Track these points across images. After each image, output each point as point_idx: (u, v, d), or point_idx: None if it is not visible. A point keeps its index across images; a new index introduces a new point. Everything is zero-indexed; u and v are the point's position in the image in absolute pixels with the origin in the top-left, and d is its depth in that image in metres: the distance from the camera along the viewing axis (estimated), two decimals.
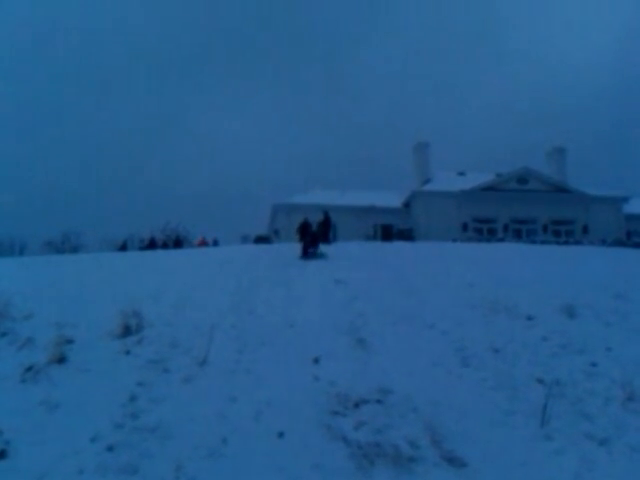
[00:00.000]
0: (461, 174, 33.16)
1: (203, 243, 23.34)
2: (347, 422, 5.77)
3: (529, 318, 10.46)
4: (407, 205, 30.46)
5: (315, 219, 22.87)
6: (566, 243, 21.92)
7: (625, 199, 29.25)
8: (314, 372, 7.19)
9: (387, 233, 27.56)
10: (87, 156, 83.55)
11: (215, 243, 23.94)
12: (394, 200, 31.81)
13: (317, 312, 9.95)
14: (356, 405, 6.20)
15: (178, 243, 27.20)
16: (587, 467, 5.41)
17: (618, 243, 21.64)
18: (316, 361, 7.59)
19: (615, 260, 17.49)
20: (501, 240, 22.47)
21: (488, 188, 29.27)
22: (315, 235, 16.50)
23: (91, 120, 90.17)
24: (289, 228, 26.16)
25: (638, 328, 10.22)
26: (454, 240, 21.19)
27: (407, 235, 24.62)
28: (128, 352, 7.31)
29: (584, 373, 7.85)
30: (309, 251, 15.82)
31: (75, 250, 36.72)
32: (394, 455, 5.16)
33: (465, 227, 27.61)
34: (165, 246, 25.14)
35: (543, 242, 21.20)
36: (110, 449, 4.72)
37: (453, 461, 5.16)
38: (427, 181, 31.63)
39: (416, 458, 5.15)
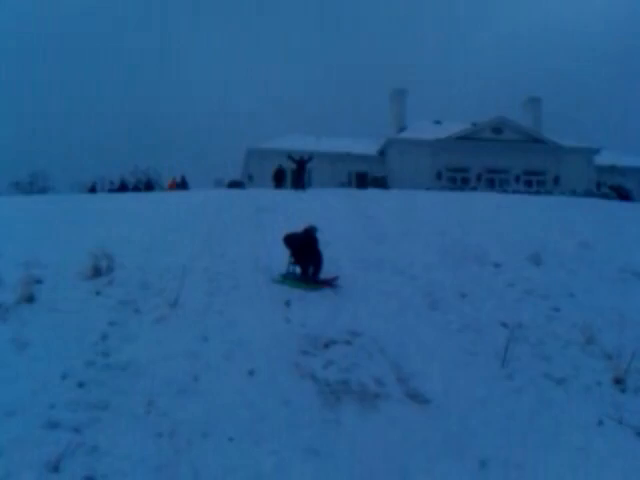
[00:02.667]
0: (437, 123, 33.01)
1: (174, 185, 22.87)
2: (316, 361, 5.92)
3: (497, 265, 10.72)
4: (382, 153, 30.33)
5: (290, 166, 22.71)
6: (537, 193, 22.25)
7: (596, 151, 29.62)
8: (285, 314, 7.30)
9: (361, 181, 27.51)
10: (57, 95, 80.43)
11: (183, 182, 23.30)
12: (369, 147, 31.61)
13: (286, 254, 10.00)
14: (325, 346, 6.35)
15: (149, 186, 26.73)
16: (544, 405, 5.69)
17: (588, 194, 22.06)
18: (287, 304, 7.69)
19: (583, 210, 17.85)
20: (474, 189, 22.68)
21: (463, 137, 29.28)
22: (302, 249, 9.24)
23: (62, 58, 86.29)
24: (263, 174, 25.90)
25: (601, 276, 10.58)
26: (428, 189, 21.30)
27: (381, 183, 24.62)
28: (98, 293, 7.28)
29: (546, 317, 8.15)
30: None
31: (43, 191, 35.87)
32: (360, 392, 5.33)
33: (439, 176, 27.73)
34: (136, 189, 24.71)
35: (515, 192, 21.48)
36: (81, 385, 4.77)
37: (416, 397, 5.37)
38: (403, 129, 31.42)
39: (381, 395, 5.34)
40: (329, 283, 8.77)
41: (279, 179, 21.84)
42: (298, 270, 9.15)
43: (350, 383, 5.51)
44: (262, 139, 32.88)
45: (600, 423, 5.41)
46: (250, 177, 29.02)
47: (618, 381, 6.31)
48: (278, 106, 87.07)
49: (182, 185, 23.05)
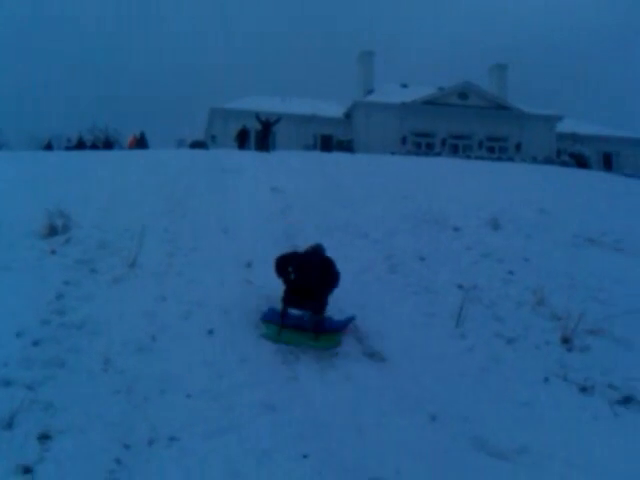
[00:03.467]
0: (404, 86, 32.85)
1: (134, 143, 22.15)
2: None
3: (456, 229, 10.93)
4: (348, 116, 30.10)
5: (254, 126, 22.35)
6: (499, 159, 22.57)
7: (558, 118, 30.11)
8: (246, 276, 7.32)
9: (327, 144, 27.33)
10: (10, 45, 76.38)
11: (142, 138, 22.57)
12: (335, 110, 31.32)
13: (252, 219, 9.96)
14: None
15: (108, 144, 25.93)
16: (494, 362, 5.93)
17: (547, 161, 22.51)
18: (248, 266, 7.70)
19: (543, 177, 18.23)
20: (438, 155, 22.84)
21: (429, 102, 29.27)
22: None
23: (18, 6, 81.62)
24: (227, 134, 25.43)
25: (556, 241, 10.92)
26: (393, 153, 21.33)
27: (347, 146, 24.53)
28: (54, 252, 7.12)
29: (501, 280, 8.40)
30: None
31: None
32: (319, 349, 5.44)
33: (404, 140, 27.78)
34: (94, 147, 23.95)
35: (477, 158, 21.73)
36: (36, 344, 4.72)
37: (374, 356, 5.51)
38: (370, 92, 31.20)
39: (339, 353, 5.46)
40: (345, 327, 5.90)
41: (242, 140, 21.51)
42: (294, 313, 5.98)
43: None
44: (226, 99, 32.20)
45: (546, 380, 5.68)
46: (213, 137, 28.48)
47: (565, 340, 6.62)
48: (243, 65, 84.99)
49: (141, 142, 22.31)
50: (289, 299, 5.82)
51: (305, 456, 3.54)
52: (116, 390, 4.21)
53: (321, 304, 5.85)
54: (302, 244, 8.86)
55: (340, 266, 8.04)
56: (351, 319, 6.04)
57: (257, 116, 19.90)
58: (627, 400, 5.46)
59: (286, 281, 5.96)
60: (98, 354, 4.65)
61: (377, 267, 8.34)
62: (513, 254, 9.63)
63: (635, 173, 24.51)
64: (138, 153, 17.93)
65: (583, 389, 5.60)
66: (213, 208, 10.46)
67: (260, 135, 21.20)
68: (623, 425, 4.97)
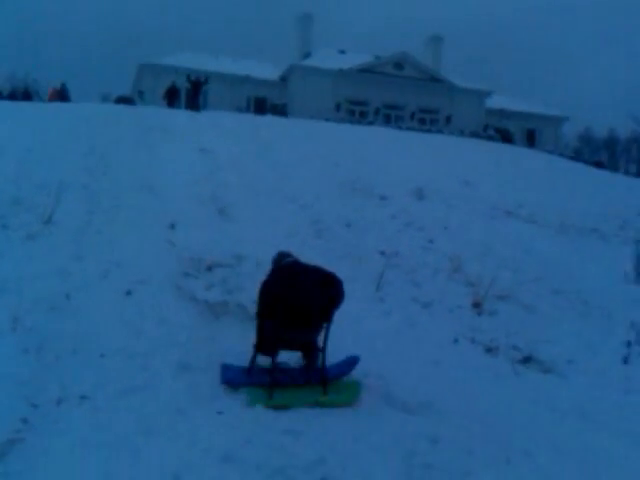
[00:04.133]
0: (342, 52, 32.61)
1: (55, 95, 20.82)
2: (198, 284, 5.95)
3: (382, 198, 11.18)
4: (284, 79, 29.63)
5: (184, 84, 21.60)
6: (429, 131, 23.06)
7: (488, 94, 31.01)
8: (169, 237, 7.19)
9: (260, 106, 26.83)
10: None
11: (63, 90, 21.24)
12: (271, 73, 30.68)
13: (178, 179, 9.74)
14: (209, 268, 6.38)
15: (27, 95, 24.29)
16: (409, 325, 6.21)
17: (475, 135, 23.24)
18: (172, 227, 7.56)
19: (469, 150, 18.85)
20: (371, 123, 23.03)
21: (365, 70, 29.26)
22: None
23: None
24: (155, 91, 24.40)
25: (475, 212, 11.42)
26: (327, 119, 21.28)
27: (281, 110, 24.23)
28: None
29: (421, 248, 8.73)
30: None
31: None
32: (241, 312, 5.48)
33: (338, 107, 27.74)
34: (12, 97, 22.36)
35: (409, 129, 22.09)
36: None
37: None
38: (307, 56, 30.78)
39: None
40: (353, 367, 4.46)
41: (172, 98, 20.79)
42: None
43: (231, 304, 5.63)
44: (156, 54, 30.83)
45: (455, 341, 6.04)
46: (141, 94, 27.27)
47: (476, 305, 7.02)
48: (175, 22, 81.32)
49: (62, 94, 20.99)
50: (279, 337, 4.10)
51: (220, 412, 3.60)
52: (25, 349, 4.08)
53: (312, 350, 4.39)
54: (228, 206, 8.83)
55: (267, 229, 8.11)
56: (355, 359, 4.47)
57: (187, 77, 19.36)
58: (527, 360, 5.90)
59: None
60: (7, 312, 4.47)
61: (303, 232, 8.43)
62: (434, 223, 10.01)
63: (555, 150, 25.77)
64: (58, 106, 16.94)
65: (488, 350, 6.00)
66: (137, 166, 10.12)
67: (190, 94, 20.56)
68: (522, 382, 5.39)
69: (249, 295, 5.92)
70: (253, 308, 5.63)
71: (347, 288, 6.73)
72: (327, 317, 4.32)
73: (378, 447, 3.25)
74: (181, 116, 16.58)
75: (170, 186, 9.22)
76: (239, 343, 4.81)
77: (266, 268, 6.83)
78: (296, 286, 4.30)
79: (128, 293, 5.36)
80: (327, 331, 4.29)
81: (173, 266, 6.24)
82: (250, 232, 7.87)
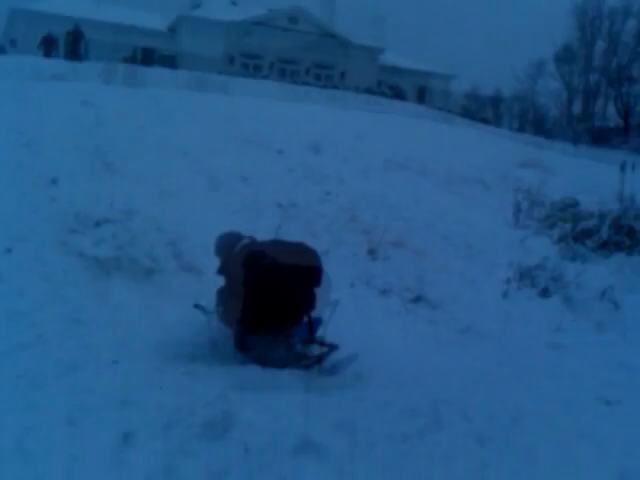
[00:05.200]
0: (233, 3, 31.50)
1: None
2: (85, 240, 5.66)
3: (280, 152, 11.15)
4: (172, 30, 28.17)
5: (62, 32, 19.89)
6: (325, 87, 23.09)
7: (381, 50, 31.51)
8: (51, 193, 6.72)
9: (148, 57, 25.32)
10: None
11: None
12: (158, 22, 28.98)
13: (59, 133, 9.05)
14: (97, 224, 6.08)
15: None
16: None
17: (369, 91, 23.64)
18: (54, 182, 7.07)
19: (362, 106, 19.20)
20: (265, 77, 22.63)
21: (259, 22, 28.53)
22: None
23: None
24: (30, 39, 22.23)
25: (370, 165, 11.72)
26: (219, 73, 20.59)
27: (170, 62, 23.09)
28: None
29: (318, 200, 8.87)
30: None
31: None
32: (132, 268, 5.31)
33: (232, 60, 26.93)
34: None
35: (304, 83, 22.00)
36: None
37: (191, 270, 5.56)
38: (196, 6, 29.40)
39: (155, 270, 5.40)
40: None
41: (48, 47, 19.14)
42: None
43: (122, 260, 5.43)
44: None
45: (352, 285, 6.28)
46: (13, 42, 24.77)
47: (371, 252, 7.32)
48: None
49: None
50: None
51: (115, 361, 3.51)
52: None
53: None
54: (116, 160, 8.37)
55: (158, 184, 7.82)
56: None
57: (66, 31, 18.08)
58: (417, 299, 6.31)
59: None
60: None
61: (198, 186, 8.23)
62: (330, 176, 10.17)
63: (444, 106, 26.86)
64: None
65: (383, 292, 6.33)
66: (11, 119, 9.26)
67: (69, 43, 19.04)
68: (413, 319, 5.79)
69: (142, 250, 5.76)
70: (147, 262, 5.53)
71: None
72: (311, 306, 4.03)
73: (280, 384, 3.34)
74: (59, 66, 15.32)
75: (50, 140, 8.56)
76: (133, 297, 4.69)
77: (159, 224, 6.66)
78: (281, 293, 3.81)
79: (8, 251, 4.98)
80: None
81: (58, 222, 5.87)
82: (140, 187, 7.55)
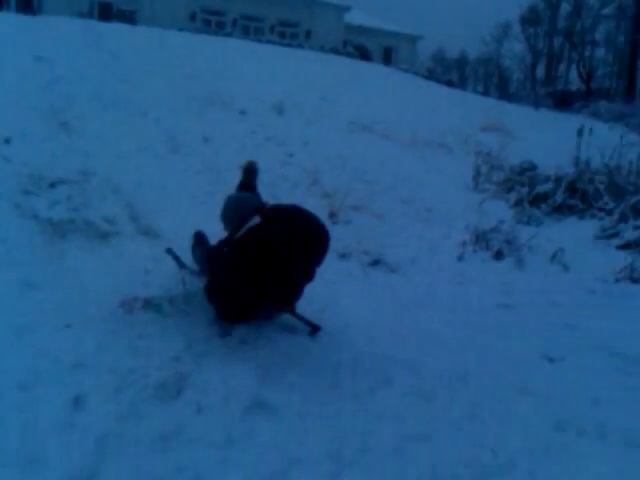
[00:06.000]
0: None
1: None
2: (40, 201, 5.52)
3: (242, 112, 10.96)
4: None
5: None
6: (289, 45, 22.59)
7: (347, 8, 30.92)
8: (4, 153, 6.49)
9: (106, 12, 24.25)
10: None
11: None
12: None
13: (11, 90, 8.67)
14: (52, 185, 5.93)
15: None
16: None
17: (334, 51, 23.24)
18: (7, 141, 6.81)
19: (328, 66, 18.88)
20: (229, 35, 21.96)
21: None
22: None
23: None
24: None
25: (334, 127, 11.65)
26: (180, 29, 19.89)
27: (129, 17, 22.16)
28: None
29: (281, 162, 8.82)
30: None
31: None
32: (88, 230, 5.23)
33: (193, 17, 26.01)
34: None
35: (268, 42, 21.48)
36: None
37: (148, 233, 5.50)
38: None
39: (111, 233, 5.32)
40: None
41: None
42: None
43: (77, 222, 5.34)
44: None
45: None
46: None
47: (332, 215, 7.37)
48: None
49: None
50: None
51: (69, 325, 3.50)
52: None
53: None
54: (72, 120, 8.10)
55: (115, 144, 7.62)
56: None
57: None
58: (376, 263, 6.41)
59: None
60: None
61: (157, 147, 8.06)
62: (294, 138, 10.08)
63: (411, 68, 26.67)
64: None
65: (342, 255, 6.41)
66: None
67: None
68: (371, 282, 5.90)
69: (99, 212, 5.67)
70: (104, 225, 5.44)
71: (204, 201, 6.73)
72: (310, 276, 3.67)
73: (232, 345, 3.40)
74: (10, 20, 14.53)
75: (1, 98, 8.20)
76: (89, 260, 4.64)
77: (115, 185, 6.52)
78: (295, 245, 3.42)
79: None
80: None
81: (10, 183, 5.70)
82: (97, 147, 7.35)
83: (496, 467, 2.93)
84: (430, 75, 26.05)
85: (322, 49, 22.92)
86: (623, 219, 7.67)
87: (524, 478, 2.92)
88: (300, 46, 22.71)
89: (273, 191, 7.75)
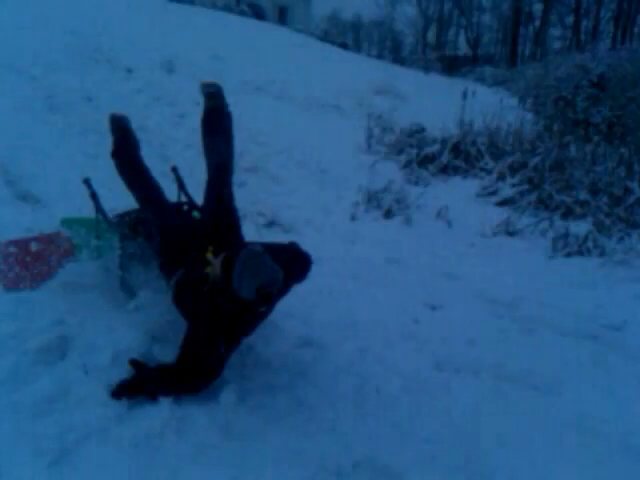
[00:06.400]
0: None
1: None
2: None
3: (129, 71, 10.42)
4: None
5: None
6: (180, 2, 21.58)
7: None
8: None
9: None
10: None
11: None
12: None
13: None
14: None
15: None
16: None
17: (227, 9, 22.54)
18: None
19: (220, 24, 18.34)
20: None
21: None
22: None
23: None
24: None
25: (226, 86, 11.33)
26: None
27: None
28: None
29: (171, 123, 8.56)
30: None
31: None
32: None
33: None
34: None
35: None
36: None
37: (27, 199, 5.18)
38: None
39: None
40: None
41: None
42: None
43: None
44: None
45: None
46: None
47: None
48: None
49: None
50: None
51: None
52: None
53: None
54: None
55: None
56: None
57: None
58: (271, 224, 6.49)
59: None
60: None
61: (35, 106, 7.50)
62: (185, 98, 9.77)
63: (306, 29, 26.53)
64: None
65: None
66: None
67: None
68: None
69: None
70: None
71: (86, 164, 6.40)
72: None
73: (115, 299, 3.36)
74: None
75: None
76: None
77: None
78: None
79: None
80: None
81: None
82: None
83: (380, 403, 3.18)
84: (325, 37, 26.09)
85: (214, 6, 22.13)
86: (501, 178, 8.28)
87: (406, 412, 3.20)
88: (191, 3, 21.77)
89: (163, 152, 7.54)
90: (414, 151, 9.49)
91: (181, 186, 4.32)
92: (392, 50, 40.56)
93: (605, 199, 7.18)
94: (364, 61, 23.35)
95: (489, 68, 26.23)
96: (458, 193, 8.32)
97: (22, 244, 3.43)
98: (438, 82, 21.69)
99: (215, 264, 2.61)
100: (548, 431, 3.16)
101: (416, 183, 8.60)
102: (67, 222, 3.83)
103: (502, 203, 7.80)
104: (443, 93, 17.95)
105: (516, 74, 21.05)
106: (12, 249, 3.37)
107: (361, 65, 20.65)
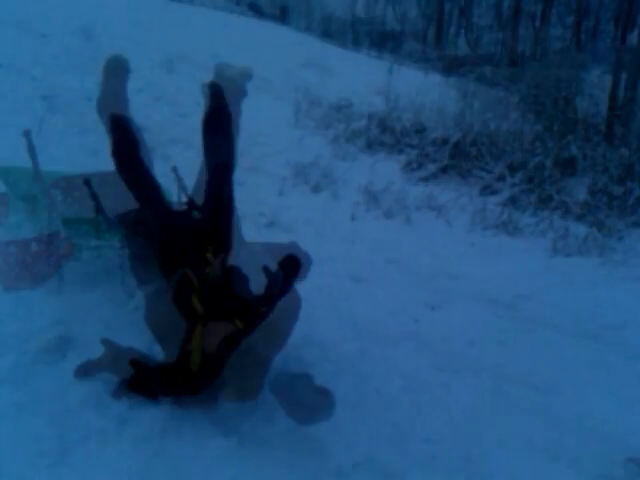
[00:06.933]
0: None
1: None
2: None
3: (43, 35, 10.37)
4: None
5: None
6: (180, 1, 21.52)
7: None
8: None
9: None
10: None
11: None
12: None
13: None
14: None
15: None
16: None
17: (227, 8, 22.45)
18: None
19: (221, 23, 18.28)
20: None
21: None
22: None
23: None
24: None
25: (141, 62, 11.09)
26: None
27: None
28: None
29: (171, 123, 8.57)
30: None
31: None
32: None
33: None
34: None
35: None
36: None
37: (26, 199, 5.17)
38: None
39: None
40: None
41: None
42: None
43: None
44: None
45: None
46: None
47: None
48: None
49: None
50: None
51: None
52: None
53: None
54: None
55: None
56: None
57: None
58: (271, 224, 6.50)
59: None
60: None
61: (35, 106, 7.51)
62: (185, 98, 9.74)
63: (308, 28, 26.40)
64: None
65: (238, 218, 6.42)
66: None
67: None
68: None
69: None
70: None
71: (94, 165, 6.37)
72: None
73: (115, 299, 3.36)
74: None
75: None
76: None
77: None
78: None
79: None
80: None
81: None
82: None
83: (380, 403, 3.18)
84: (252, 6, 25.51)
85: (215, 6, 22.06)
86: (423, 153, 8.56)
87: (406, 412, 3.20)
88: (190, 1, 21.66)
89: (164, 152, 7.51)
90: (342, 126, 9.52)
91: (181, 186, 4.30)
92: (321, 23, 37.36)
93: (605, 199, 7.18)
94: (293, 34, 21.27)
95: (489, 68, 26.00)
96: (384, 168, 8.34)
97: (22, 244, 3.42)
98: (366, 56, 20.54)
99: (215, 264, 2.60)
100: (548, 431, 3.16)
101: (344, 158, 8.62)
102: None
103: (424, 179, 8.11)
104: (372, 67, 16.94)
105: (516, 74, 20.87)
106: (12, 249, 3.37)
107: (290, 37, 19.31)
